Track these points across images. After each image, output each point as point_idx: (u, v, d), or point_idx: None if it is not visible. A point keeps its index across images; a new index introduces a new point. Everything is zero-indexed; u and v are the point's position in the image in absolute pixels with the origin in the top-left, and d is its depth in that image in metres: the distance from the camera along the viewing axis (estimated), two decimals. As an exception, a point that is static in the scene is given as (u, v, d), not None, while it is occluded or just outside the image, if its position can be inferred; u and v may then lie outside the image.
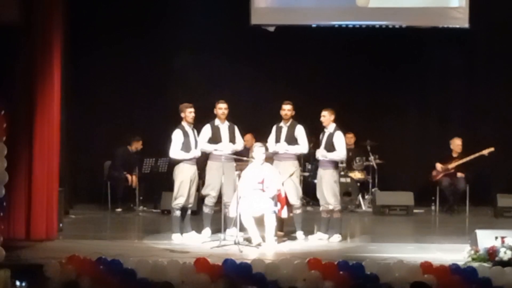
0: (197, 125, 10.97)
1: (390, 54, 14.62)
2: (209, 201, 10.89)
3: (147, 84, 14.78)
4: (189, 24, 14.30)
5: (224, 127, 10.99)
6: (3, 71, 10.20)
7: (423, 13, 13.99)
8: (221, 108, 10.95)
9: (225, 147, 10.86)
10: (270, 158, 10.92)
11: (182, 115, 10.84)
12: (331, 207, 10.74)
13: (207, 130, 10.94)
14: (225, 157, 10.68)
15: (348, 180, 14.17)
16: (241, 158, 10.98)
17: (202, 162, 11.17)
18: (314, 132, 11.24)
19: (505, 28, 14.11)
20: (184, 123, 10.83)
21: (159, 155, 13.54)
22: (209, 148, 10.88)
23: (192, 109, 10.83)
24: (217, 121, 10.99)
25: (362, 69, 14.72)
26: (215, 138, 10.90)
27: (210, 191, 10.85)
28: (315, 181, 11.16)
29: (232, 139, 10.98)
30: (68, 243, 10.25)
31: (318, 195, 10.95)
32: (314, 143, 11.75)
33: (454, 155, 14.01)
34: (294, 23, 14.11)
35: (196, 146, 10.80)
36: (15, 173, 9.88)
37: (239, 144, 11.09)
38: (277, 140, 10.98)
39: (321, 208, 10.92)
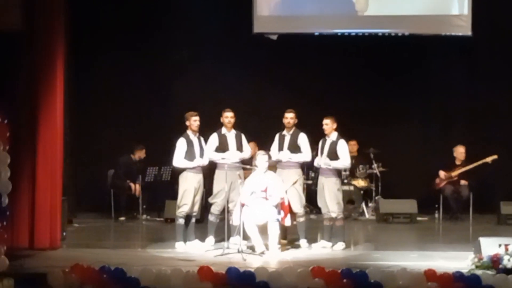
0: (201, 133, 10.95)
1: (392, 62, 14.62)
2: (215, 209, 10.88)
3: (150, 92, 14.79)
4: (192, 32, 14.32)
5: (231, 135, 10.98)
6: (6, 78, 10.20)
7: (425, 21, 13.98)
8: (227, 116, 10.94)
9: (232, 156, 10.86)
10: (273, 166, 10.91)
11: (187, 123, 10.81)
12: (334, 215, 10.72)
13: (214, 139, 10.93)
14: (228, 165, 10.65)
15: (352, 188, 14.15)
16: (244, 166, 10.98)
17: (206, 170, 11.15)
18: (317, 140, 11.23)
19: (508, 35, 14.10)
20: (189, 132, 10.81)
21: (162, 163, 13.55)
22: (217, 156, 10.87)
23: (197, 117, 10.80)
24: (223, 130, 10.98)
25: (365, 76, 14.73)
26: (222, 147, 10.89)
27: (217, 199, 10.84)
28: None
29: (239, 147, 10.97)
30: (71, 252, 10.26)
31: (320, 203, 10.93)
32: (317, 151, 11.74)
33: (458, 162, 14.01)
34: (297, 31, 14.12)
35: (201, 154, 10.78)
36: (19, 182, 9.90)
37: (247, 152, 11.08)
38: (280, 148, 10.97)
39: (323, 216, 10.91)
